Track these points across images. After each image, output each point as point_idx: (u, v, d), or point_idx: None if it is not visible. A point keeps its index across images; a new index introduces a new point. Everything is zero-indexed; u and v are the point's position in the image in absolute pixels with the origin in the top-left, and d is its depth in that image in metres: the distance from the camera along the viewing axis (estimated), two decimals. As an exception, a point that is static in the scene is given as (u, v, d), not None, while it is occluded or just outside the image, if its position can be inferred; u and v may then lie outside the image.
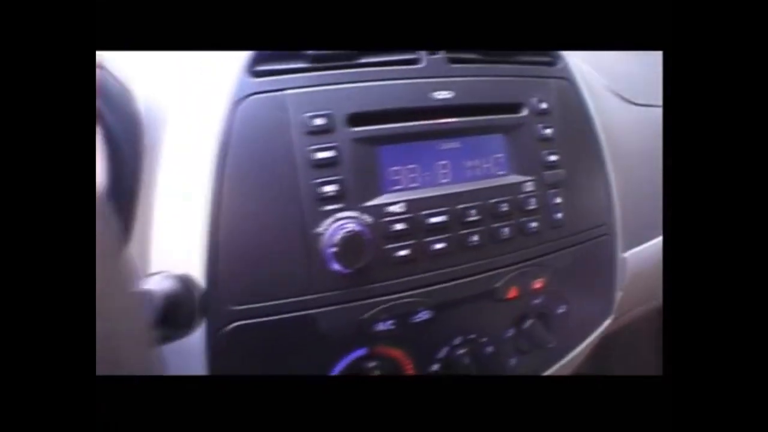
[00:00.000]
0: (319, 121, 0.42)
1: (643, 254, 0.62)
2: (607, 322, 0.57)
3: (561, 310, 0.52)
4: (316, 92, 0.42)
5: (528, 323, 0.50)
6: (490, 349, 0.49)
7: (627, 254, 0.58)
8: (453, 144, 0.46)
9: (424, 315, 0.45)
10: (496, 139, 0.48)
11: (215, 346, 0.39)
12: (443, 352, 0.47)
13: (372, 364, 0.44)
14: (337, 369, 0.43)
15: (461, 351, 0.47)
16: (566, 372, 0.56)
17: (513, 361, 0.51)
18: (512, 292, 0.48)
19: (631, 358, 1.03)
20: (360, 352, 0.44)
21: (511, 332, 0.50)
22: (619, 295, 0.57)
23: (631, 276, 0.59)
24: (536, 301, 0.50)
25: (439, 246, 0.44)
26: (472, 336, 0.48)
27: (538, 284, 0.49)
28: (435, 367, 0.47)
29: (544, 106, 0.50)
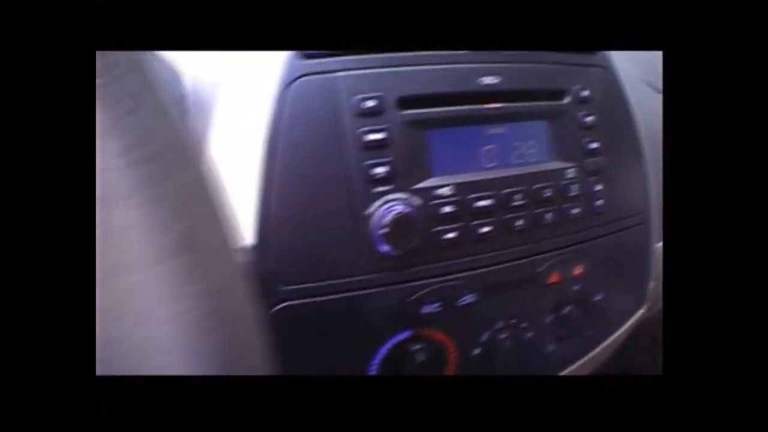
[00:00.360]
0: (370, 104, 0.42)
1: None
2: (640, 312, 0.58)
3: (597, 297, 0.52)
4: (366, 75, 0.43)
5: (567, 309, 0.50)
6: (529, 334, 0.49)
7: (659, 244, 0.58)
8: (498, 129, 0.46)
9: (468, 298, 0.45)
10: (540, 126, 0.48)
11: (263, 326, 0.39)
12: (485, 336, 0.47)
13: (416, 346, 0.44)
14: (382, 351, 0.43)
15: (503, 335, 0.47)
16: (597, 362, 0.57)
17: (550, 348, 0.51)
18: (554, 278, 0.48)
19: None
20: (405, 335, 0.44)
21: (550, 318, 0.50)
22: (652, 284, 0.58)
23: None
24: (575, 288, 0.50)
25: (485, 230, 0.45)
26: (514, 321, 0.48)
27: (578, 270, 0.50)
28: (477, 351, 0.47)
29: (585, 93, 0.50)
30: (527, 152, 0.48)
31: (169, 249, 0.20)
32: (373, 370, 0.43)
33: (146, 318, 0.20)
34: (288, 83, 0.41)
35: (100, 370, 0.20)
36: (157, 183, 0.20)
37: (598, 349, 0.55)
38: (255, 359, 0.23)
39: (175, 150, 0.22)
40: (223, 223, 0.23)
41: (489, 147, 0.46)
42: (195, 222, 0.21)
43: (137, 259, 0.20)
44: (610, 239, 0.52)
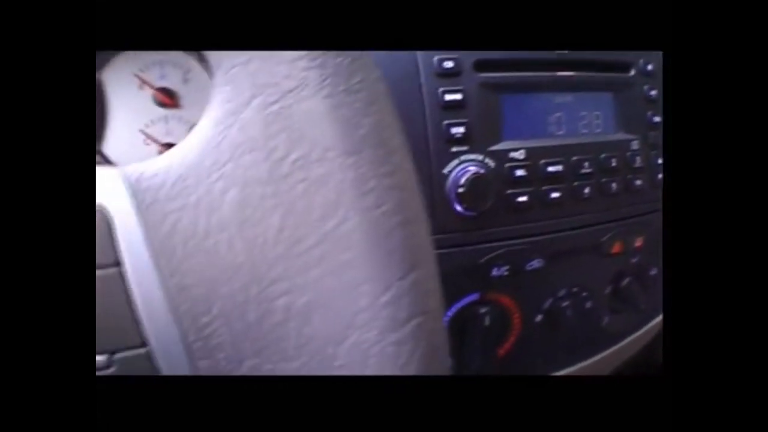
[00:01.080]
0: (448, 64, 0.42)
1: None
2: None
3: (653, 272, 0.53)
4: (444, 36, 0.43)
5: (626, 281, 0.50)
6: (589, 304, 0.49)
7: None
8: (567, 98, 0.47)
9: (536, 263, 0.45)
10: (606, 97, 0.49)
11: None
12: (548, 303, 0.47)
13: (483, 309, 0.44)
14: (450, 312, 0.44)
15: (565, 303, 0.47)
16: (648, 338, 0.57)
17: (606, 320, 0.51)
18: (616, 248, 0.49)
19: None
20: (473, 297, 0.44)
21: (609, 289, 0.50)
22: None
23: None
24: (634, 260, 0.51)
25: (555, 195, 0.45)
26: (576, 289, 0.48)
27: (638, 242, 0.50)
28: (539, 317, 0.47)
29: (650, 67, 0.51)
30: (593, 122, 0.48)
31: (358, 141, 0.20)
32: None
33: (333, 211, 0.20)
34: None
35: (284, 274, 0.21)
36: (348, 76, 0.21)
37: (648, 326, 0.56)
38: (432, 264, 0.23)
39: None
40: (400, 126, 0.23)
41: (558, 114, 0.46)
42: (382, 117, 0.21)
43: (325, 151, 0.20)
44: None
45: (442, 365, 0.23)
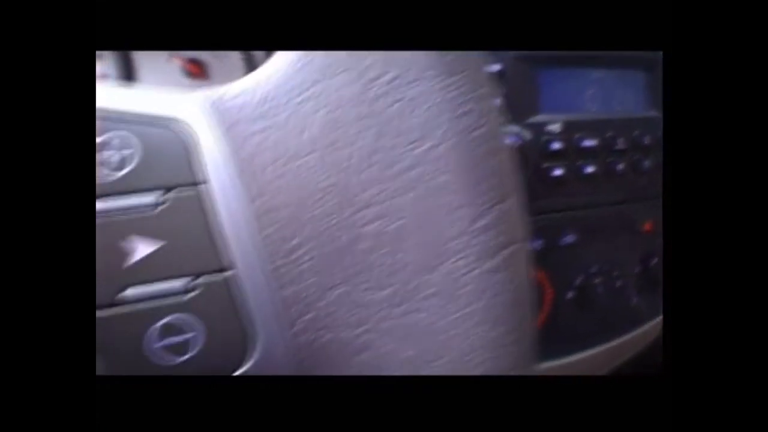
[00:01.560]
0: (487, 35, 0.42)
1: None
2: None
3: None
4: (482, 8, 0.43)
5: (654, 261, 0.50)
6: (619, 283, 0.49)
7: None
8: (601, 74, 0.47)
9: (570, 238, 0.45)
10: (638, 75, 0.49)
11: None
12: (580, 280, 0.47)
13: None
14: None
15: (596, 280, 0.47)
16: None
17: (634, 300, 0.51)
18: (648, 226, 0.49)
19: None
20: None
21: (638, 269, 0.50)
22: None
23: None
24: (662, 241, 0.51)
25: (589, 169, 0.45)
26: (607, 267, 0.48)
27: None
28: (570, 294, 0.47)
29: (680, 48, 0.51)
30: (626, 99, 0.48)
31: (456, 63, 0.19)
32: None
33: (429, 132, 0.19)
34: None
35: (378, 197, 0.20)
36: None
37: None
38: (519, 194, 0.23)
39: None
40: None
41: (592, 90, 0.46)
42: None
43: (423, 71, 0.19)
44: None
45: (531, 302, 0.22)
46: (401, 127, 0.20)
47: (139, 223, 0.20)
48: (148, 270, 0.20)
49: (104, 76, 0.46)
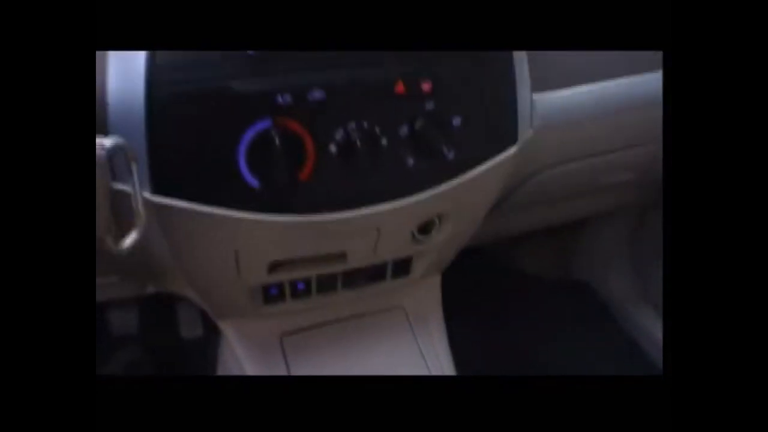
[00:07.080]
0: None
1: (559, 102, 0.61)
2: (511, 150, 0.57)
3: (456, 122, 0.53)
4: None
5: (419, 123, 0.51)
6: (384, 141, 0.50)
7: (537, 96, 0.58)
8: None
9: (318, 94, 0.47)
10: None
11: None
12: (340, 134, 0.49)
13: (275, 131, 0.46)
14: (247, 137, 0.46)
15: (358, 137, 0.49)
16: (463, 191, 0.57)
17: (410, 161, 0.52)
18: (399, 88, 0.50)
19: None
20: (265, 123, 0.46)
21: (404, 129, 0.51)
22: (529, 132, 0.59)
23: (544, 121, 0.60)
24: (428, 106, 0.51)
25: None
26: (366, 124, 0.49)
27: (426, 86, 0.50)
28: (333, 148, 0.49)
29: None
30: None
31: None
32: (242, 155, 0.46)
33: None
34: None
35: None
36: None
37: (462, 178, 0.56)
38: None
39: None
40: None
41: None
42: None
43: None
44: (463, 58, 0.52)
45: None
46: None
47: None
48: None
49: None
